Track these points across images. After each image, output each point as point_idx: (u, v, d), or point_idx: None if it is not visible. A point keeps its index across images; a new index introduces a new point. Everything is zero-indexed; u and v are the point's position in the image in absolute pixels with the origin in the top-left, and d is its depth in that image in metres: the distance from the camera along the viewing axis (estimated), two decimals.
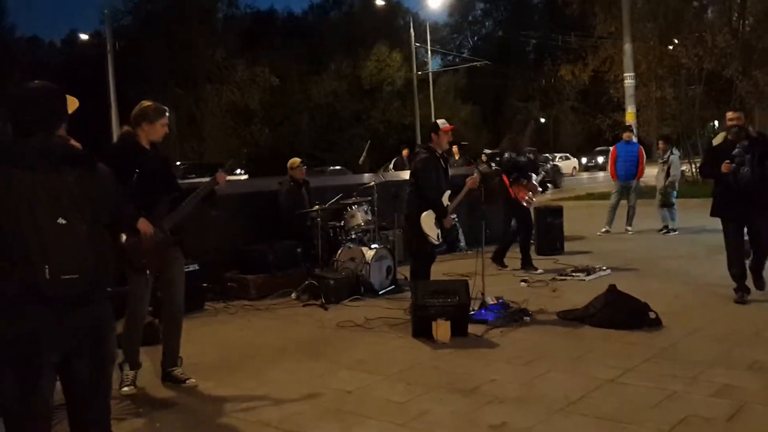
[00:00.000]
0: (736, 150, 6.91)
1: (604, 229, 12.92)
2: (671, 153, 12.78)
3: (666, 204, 12.57)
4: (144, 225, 4.74)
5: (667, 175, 12.44)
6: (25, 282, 2.51)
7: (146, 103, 5.09)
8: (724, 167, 6.88)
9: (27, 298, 2.54)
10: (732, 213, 7.04)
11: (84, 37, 46.03)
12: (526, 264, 9.43)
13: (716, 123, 25.52)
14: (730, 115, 7.16)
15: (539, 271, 9.19)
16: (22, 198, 2.53)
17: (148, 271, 4.92)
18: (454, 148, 13.46)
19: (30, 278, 2.51)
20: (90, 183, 2.69)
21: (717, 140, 7.18)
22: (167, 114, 5.06)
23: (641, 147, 13.33)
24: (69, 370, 2.75)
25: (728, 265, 7.15)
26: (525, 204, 9.40)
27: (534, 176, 9.64)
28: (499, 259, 9.64)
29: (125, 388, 4.98)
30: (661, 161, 12.70)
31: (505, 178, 9.40)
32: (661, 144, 13.09)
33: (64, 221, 2.56)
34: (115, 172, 4.76)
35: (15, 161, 2.57)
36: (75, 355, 2.72)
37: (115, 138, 23.83)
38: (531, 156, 9.78)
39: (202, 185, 5.15)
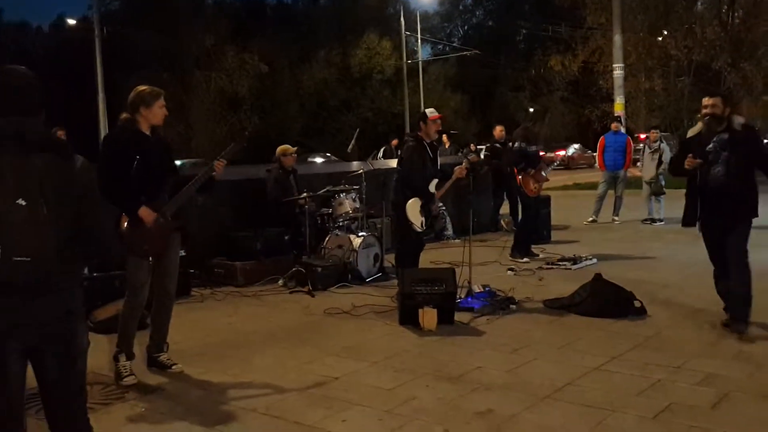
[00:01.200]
0: (712, 144, 5.63)
1: (590, 219, 12.97)
2: (661, 141, 12.82)
3: (658, 192, 12.59)
4: (145, 212, 4.71)
5: (659, 163, 12.47)
6: None
7: (141, 87, 5.02)
8: (688, 163, 5.70)
9: None
10: (704, 222, 5.85)
11: (72, 22, 45.57)
12: (519, 250, 9.39)
13: None
14: (705, 101, 5.79)
15: (525, 260, 9.22)
16: None
17: (150, 258, 4.88)
18: (444, 137, 13.45)
19: None
20: (60, 170, 2.62)
21: (694, 130, 5.99)
22: (163, 95, 4.98)
23: (629, 138, 13.38)
24: (37, 363, 2.70)
25: (714, 281, 6.06)
26: (529, 194, 9.44)
27: (546, 167, 9.74)
28: (516, 252, 9.45)
29: (126, 379, 4.89)
30: (650, 150, 12.71)
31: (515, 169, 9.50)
32: (652, 133, 13.10)
33: (23, 203, 2.49)
34: (116, 160, 4.78)
35: None
36: (42, 348, 2.66)
37: (103, 123, 23.74)
38: (540, 148, 9.80)
39: (200, 172, 5.11)
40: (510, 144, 9.98)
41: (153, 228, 4.76)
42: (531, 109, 54.77)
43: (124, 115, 4.96)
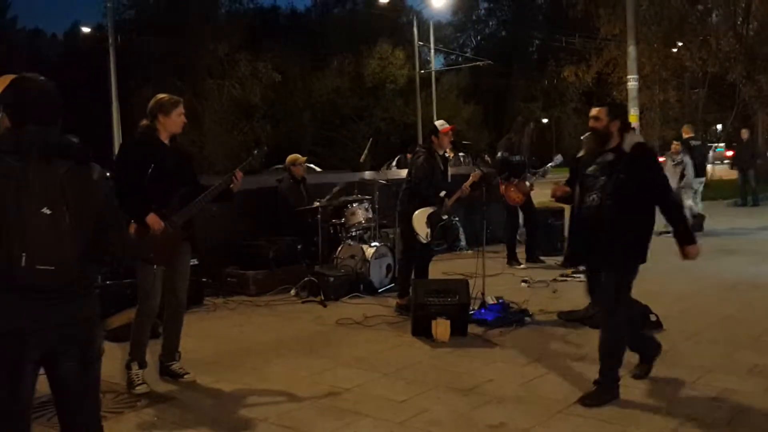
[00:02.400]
0: (592, 167, 4.67)
1: None
2: (684, 154, 12.72)
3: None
4: (152, 219, 4.72)
5: (681, 176, 12.37)
6: (1, 270, 2.47)
7: (160, 95, 5.04)
8: (553, 191, 5.00)
9: (2, 288, 2.50)
10: (580, 257, 5.09)
11: (86, 30, 45.93)
12: (513, 258, 9.77)
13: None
14: (591, 112, 4.73)
15: (521, 266, 9.54)
16: (10, 186, 2.50)
17: (155, 266, 4.88)
18: (448, 149, 13.50)
19: (5, 266, 2.47)
20: (80, 177, 2.66)
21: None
22: (182, 103, 4.99)
23: None
24: (55, 370, 2.71)
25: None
26: (511, 203, 9.66)
27: (531, 176, 9.72)
28: (512, 259, 9.82)
29: (138, 387, 4.89)
30: (673, 163, 12.58)
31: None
32: (674, 145, 12.94)
33: (48, 211, 2.52)
34: (130, 166, 4.79)
35: (8, 150, 2.55)
36: (60, 354, 2.68)
37: (116, 131, 23.88)
38: (524, 158, 9.78)
39: (218, 182, 5.11)
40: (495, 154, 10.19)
41: (160, 236, 4.76)
42: (545, 120, 54.79)
43: (144, 122, 4.97)
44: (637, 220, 4.55)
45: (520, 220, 10.26)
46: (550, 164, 10.21)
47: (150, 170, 4.76)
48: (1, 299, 2.52)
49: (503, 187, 9.58)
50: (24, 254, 2.48)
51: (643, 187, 4.50)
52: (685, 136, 14.50)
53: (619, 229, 4.50)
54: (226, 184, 5.06)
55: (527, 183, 9.61)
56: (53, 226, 2.53)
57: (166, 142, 4.94)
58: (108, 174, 2.87)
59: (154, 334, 5.31)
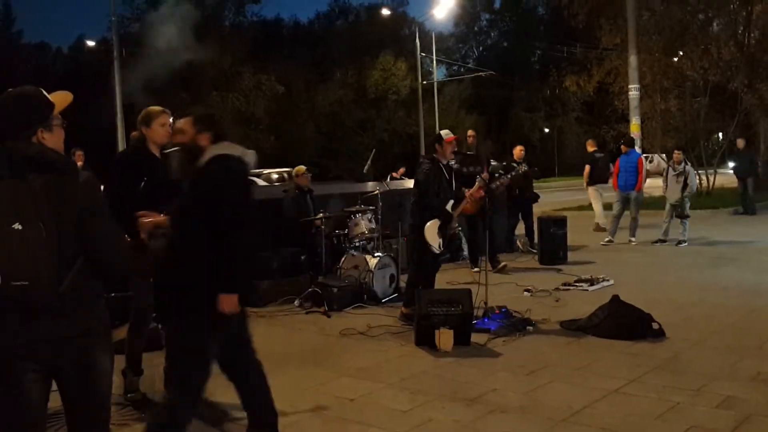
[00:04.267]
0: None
1: (607, 239, 12.91)
2: (686, 164, 12.75)
3: (683, 216, 12.46)
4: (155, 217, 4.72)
5: (684, 186, 12.39)
6: None
7: (150, 108, 5.07)
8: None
9: None
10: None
11: (91, 43, 46.18)
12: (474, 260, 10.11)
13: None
14: (175, 124, 4.05)
15: (475, 269, 9.73)
16: None
17: (151, 279, 4.89)
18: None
19: None
20: (59, 189, 2.59)
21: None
22: (165, 113, 4.95)
23: (641, 157, 13.31)
24: (60, 385, 2.71)
25: None
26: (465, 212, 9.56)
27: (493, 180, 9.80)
28: (493, 262, 9.86)
29: (132, 395, 4.96)
30: (675, 173, 12.61)
31: None
32: (676, 155, 12.97)
33: (19, 227, 2.47)
34: (123, 179, 4.80)
35: None
36: (61, 369, 2.67)
37: (121, 144, 23.96)
38: (476, 168, 9.84)
39: None
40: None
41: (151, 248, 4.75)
42: (546, 129, 54.80)
43: (134, 134, 4.99)
44: (205, 257, 3.51)
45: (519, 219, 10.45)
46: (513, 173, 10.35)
47: (143, 183, 4.76)
48: None
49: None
50: None
51: (209, 213, 3.52)
52: (589, 149, 15.12)
53: (182, 270, 3.60)
54: None
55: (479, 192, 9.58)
56: (26, 241, 2.47)
57: (156, 153, 4.94)
58: (102, 185, 2.82)
59: (159, 345, 5.32)
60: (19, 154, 2.58)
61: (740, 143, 19.01)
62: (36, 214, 2.50)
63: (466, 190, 8.18)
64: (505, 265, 10.06)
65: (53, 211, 2.54)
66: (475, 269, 9.70)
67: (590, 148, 15.12)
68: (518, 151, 12.40)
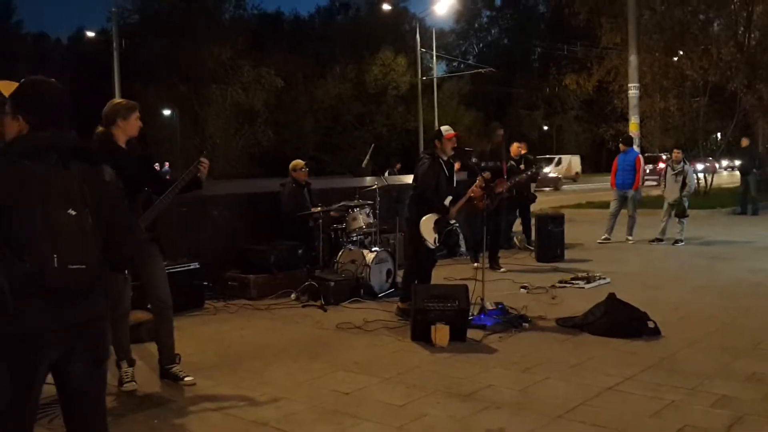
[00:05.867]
0: None
1: (604, 237, 12.92)
2: (685, 163, 12.75)
3: (681, 215, 12.46)
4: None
5: (683, 185, 12.40)
6: (31, 272, 2.49)
7: (116, 100, 5.14)
8: None
9: (30, 291, 2.51)
10: None
11: (90, 34, 46.10)
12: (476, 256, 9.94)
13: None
14: None
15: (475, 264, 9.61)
16: (35, 189, 2.54)
17: (126, 272, 4.89)
18: (457, 165, 13.62)
19: (37, 267, 2.49)
20: (94, 179, 2.71)
21: None
22: (138, 108, 5.06)
23: (639, 156, 13.31)
24: (65, 369, 2.73)
25: None
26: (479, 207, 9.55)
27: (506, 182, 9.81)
28: (493, 262, 9.86)
29: (126, 385, 4.99)
30: (673, 172, 12.61)
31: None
32: (675, 153, 12.97)
33: (73, 212, 2.57)
34: None
35: (30, 154, 2.60)
36: (72, 354, 2.70)
37: None
38: (498, 164, 9.84)
39: (181, 175, 5.12)
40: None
41: None
42: (545, 127, 54.86)
43: (99, 129, 4.99)
44: None
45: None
46: (528, 171, 10.39)
47: None
48: (25, 302, 2.53)
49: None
50: (56, 255, 2.51)
51: None
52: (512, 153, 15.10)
53: None
54: (192, 174, 5.06)
55: (496, 189, 9.57)
56: (79, 226, 2.58)
57: (124, 146, 4.97)
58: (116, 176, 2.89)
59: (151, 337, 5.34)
60: (63, 142, 2.70)
61: (744, 142, 19.03)
62: (83, 201, 2.62)
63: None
64: (505, 272, 9.85)
65: (93, 199, 2.66)
66: (476, 264, 9.63)
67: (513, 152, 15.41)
68: (515, 148, 12.07)
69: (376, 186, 9.24)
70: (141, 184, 4.95)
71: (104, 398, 2.92)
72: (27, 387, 2.63)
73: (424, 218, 7.00)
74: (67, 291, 2.59)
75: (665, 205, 12.78)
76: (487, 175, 7.93)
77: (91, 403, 2.83)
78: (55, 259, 2.51)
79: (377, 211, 9.00)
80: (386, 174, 13.40)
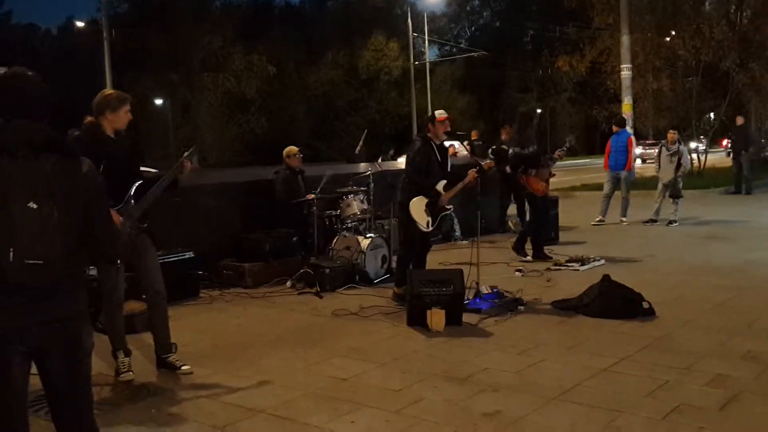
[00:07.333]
0: None
1: (598, 219, 12.94)
2: (680, 143, 12.74)
3: (676, 195, 12.46)
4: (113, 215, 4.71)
5: (678, 166, 12.40)
6: None
7: (107, 91, 5.12)
8: None
9: None
10: None
11: (80, 24, 45.79)
12: (522, 248, 9.64)
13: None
14: None
15: (527, 258, 9.45)
16: None
17: (118, 263, 4.89)
18: (451, 149, 13.58)
19: None
20: (68, 171, 2.63)
21: None
22: (129, 101, 5.04)
23: (631, 137, 13.30)
24: (44, 365, 2.71)
25: None
26: (538, 193, 9.58)
27: (551, 162, 9.91)
28: (520, 248, 9.69)
29: (123, 375, 4.99)
30: (668, 153, 12.59)
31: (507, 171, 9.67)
32: (670, 134, 12.93)
33: (35, 205, 2.49)
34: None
35: None
36: (48, 350, 2.66)
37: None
38: (535, 148, 9.86)
39: (167, 172, 5.11)
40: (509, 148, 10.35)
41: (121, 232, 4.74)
42: (539, 110, 54.81)
43: (88, 119, 4.97)
44: None
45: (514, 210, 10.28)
46: (565, 146, 10.46)
47: (102, 166, 4.74)
48: None
49: (524, 179, 9.57)
50: (12, 249, 2.45)
51: None
52: (473, 138, 15.71)
53: None
54: (174, 175, 5.04)
55: (546, 171, 9.67)
56: (40, 221, 2.50)
57: (113, 137, 4.95)
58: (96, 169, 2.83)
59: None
60: (36, 135, 2.61)
61: (739, 120, 19.01)
62: (49, 194, 2.53)
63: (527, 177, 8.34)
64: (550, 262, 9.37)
65: (63, 193, 2.57)
66: (527, 258, 9.47)
67: (473, 137, 15.58)
68: (507, 131, 12.20)
69: (369, 172, 9.22)
70: (132, 174, 4.93)
71: (88, 390, 2.87)
72: (3, 379, 2.60)
73: (413, 200, 6.98)
74: (27, 287, 2.53)
75: (659, 186, 12.78)
76: (488, 164, 7.94)
77: (74, 396, 2.79)
78: (11, 254, 2.45)
79: (371, 197, 8.99)
80: (380, 160, 13.37)
